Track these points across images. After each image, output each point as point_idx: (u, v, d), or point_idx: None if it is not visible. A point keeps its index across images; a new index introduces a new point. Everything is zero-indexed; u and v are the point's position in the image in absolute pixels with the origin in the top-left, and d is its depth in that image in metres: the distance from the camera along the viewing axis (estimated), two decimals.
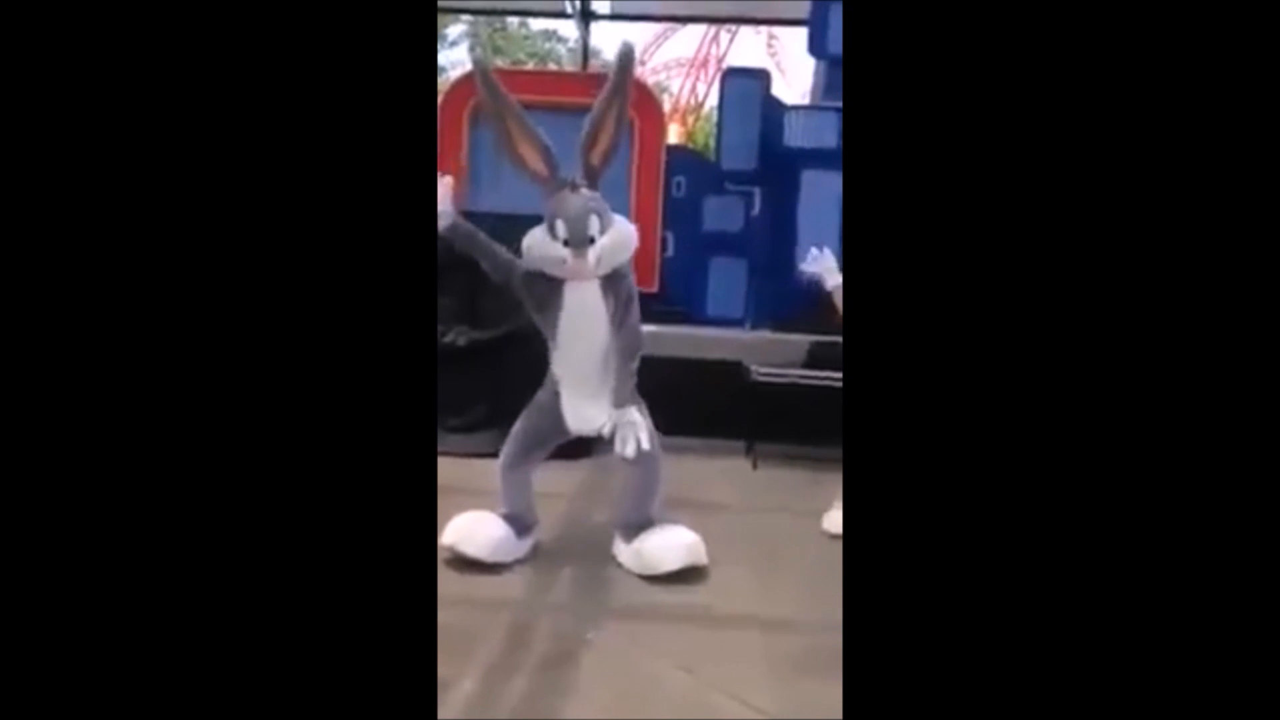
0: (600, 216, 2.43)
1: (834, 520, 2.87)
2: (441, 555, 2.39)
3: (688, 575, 2.44)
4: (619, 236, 2.48)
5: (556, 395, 2.57)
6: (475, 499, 2.59)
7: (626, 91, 2.44)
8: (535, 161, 2.46)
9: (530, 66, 15.44)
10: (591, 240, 2.41)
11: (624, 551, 2.55)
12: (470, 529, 2.45)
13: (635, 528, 2.53)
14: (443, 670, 1.80)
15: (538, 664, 1.90)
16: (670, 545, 2.48)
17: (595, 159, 2.47)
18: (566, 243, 2.41)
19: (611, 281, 2.50)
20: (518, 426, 2.61)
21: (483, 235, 2.55)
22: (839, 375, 2.84)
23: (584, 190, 2.46)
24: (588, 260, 2.41)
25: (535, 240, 2.49)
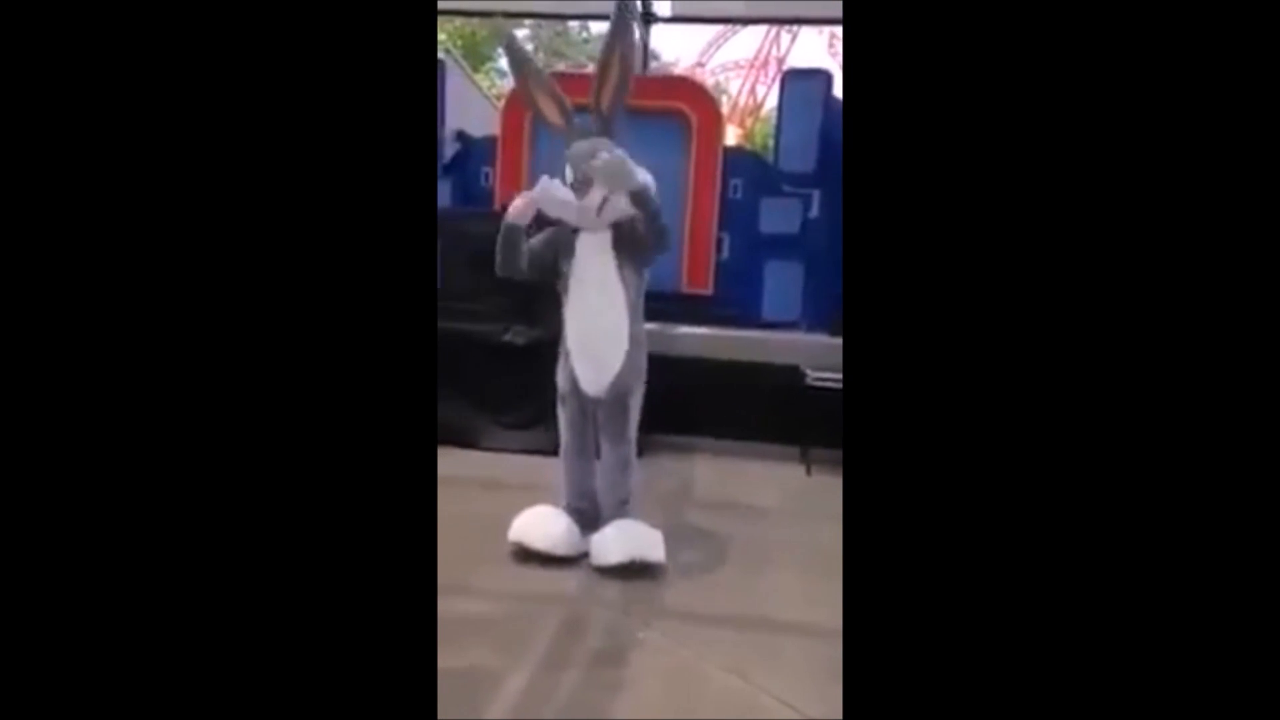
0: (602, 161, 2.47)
1: None
2: (508, 550, 2.45)
3: (680, 577, 2.43)
4: (615, 169, 2.45)
5: (568, 359, 2.57)
6: (529, 495, 2.63)
7: (627, 35, 2.54)
8: (553, 114, 2.57)
9: (590, 69, 15.57)
10: (591, 182, 2.43)
11: (586, 543, 2.55)
12: (534, 523, 2.50)
13: (600, 519, 2.53)
14: (495, 662, 1.84)
15: (588, 660, 1.92)
16: (620, 538, 2.44)
17: (603, 105, 2.53)
18: (573, 186, 2.44)
19: (622, 237, 2.50)
20: (560, 418, 2.64)
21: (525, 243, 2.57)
22: None
23: (593, 137, 2.52)
24: (592, 200, 2.43)
25: (545, 183, 2.48)
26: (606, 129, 2.54)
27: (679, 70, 17.04)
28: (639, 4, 6.43)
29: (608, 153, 2.44)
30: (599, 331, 2.53)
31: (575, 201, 2.44)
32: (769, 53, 18.44)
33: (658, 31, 7.23)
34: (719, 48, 19.69)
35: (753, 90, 18.79)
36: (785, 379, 4.05)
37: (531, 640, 1.99)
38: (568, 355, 2.57)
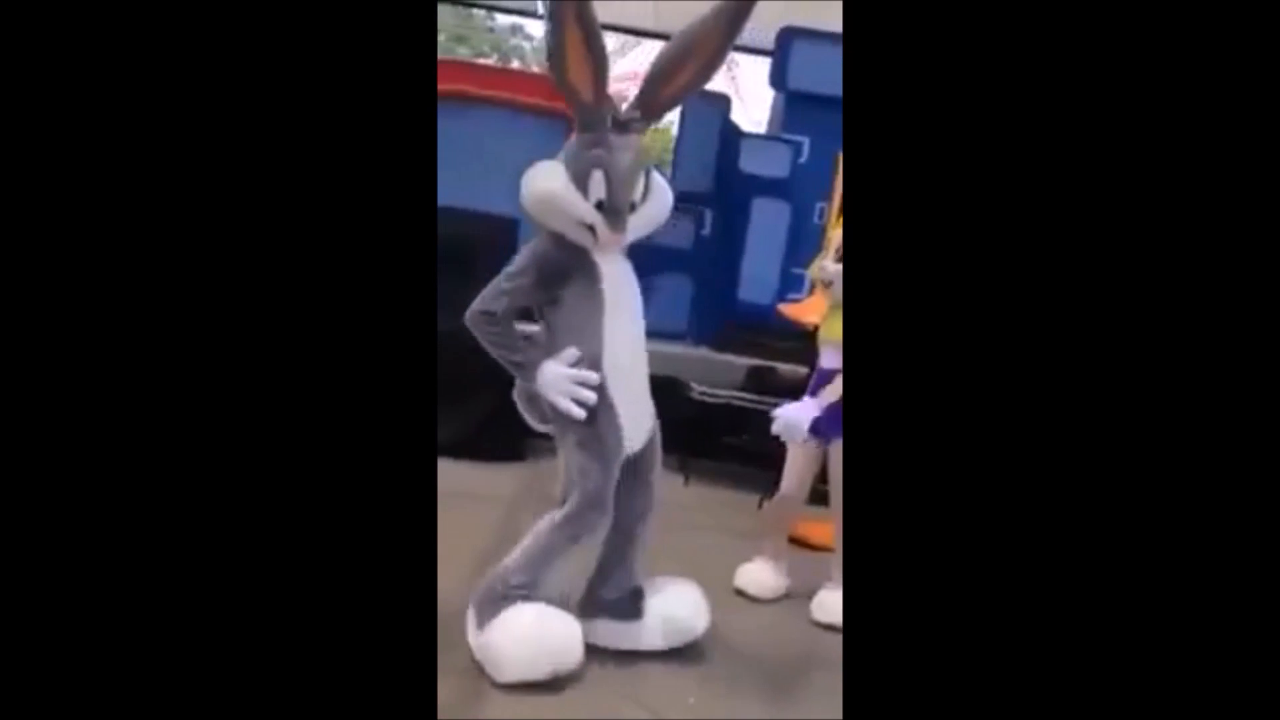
0: (648, 174, 1.85)
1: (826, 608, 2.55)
2: None
3: None
4: (659, 204, 1.89)
5: (611, 409, 1.90)
6: None
7: (737, 26, 1.81)
8: (584, 82, 1.78)
9: (494, 61, 15.31)
10: (632, 207, 1.82)
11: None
12: None
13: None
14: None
15: None
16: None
17: (667, 92, 1.86)
18: (600, 205, 1.78)
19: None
20: (574, 509, 2.01)
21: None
22: (773, 400, 2.92)
23: (634, 135, 1.84)
24: (624, 235, 1.83)
25: (555, 189, 1.79)
26: (653, 121, 1.92)
27: None
28: (538, 7, 6.36)
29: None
30: (635, 370, 1.97)
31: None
32: None
33: None
34: (616, 60, 19.82)
35: None
36: (665, 390, 4.12)
37: None
38: (612, 409, 1.91)
